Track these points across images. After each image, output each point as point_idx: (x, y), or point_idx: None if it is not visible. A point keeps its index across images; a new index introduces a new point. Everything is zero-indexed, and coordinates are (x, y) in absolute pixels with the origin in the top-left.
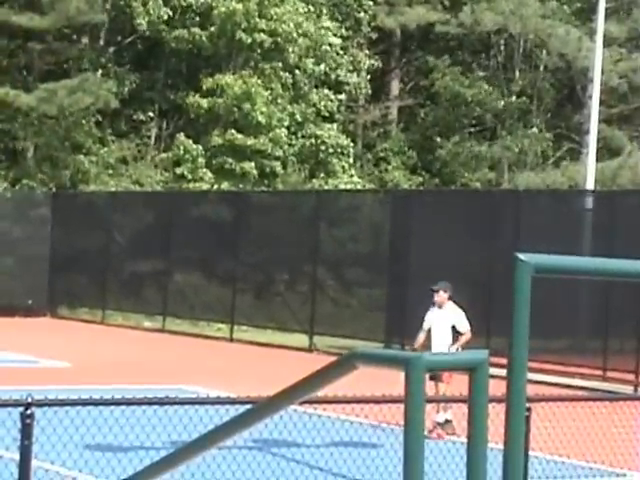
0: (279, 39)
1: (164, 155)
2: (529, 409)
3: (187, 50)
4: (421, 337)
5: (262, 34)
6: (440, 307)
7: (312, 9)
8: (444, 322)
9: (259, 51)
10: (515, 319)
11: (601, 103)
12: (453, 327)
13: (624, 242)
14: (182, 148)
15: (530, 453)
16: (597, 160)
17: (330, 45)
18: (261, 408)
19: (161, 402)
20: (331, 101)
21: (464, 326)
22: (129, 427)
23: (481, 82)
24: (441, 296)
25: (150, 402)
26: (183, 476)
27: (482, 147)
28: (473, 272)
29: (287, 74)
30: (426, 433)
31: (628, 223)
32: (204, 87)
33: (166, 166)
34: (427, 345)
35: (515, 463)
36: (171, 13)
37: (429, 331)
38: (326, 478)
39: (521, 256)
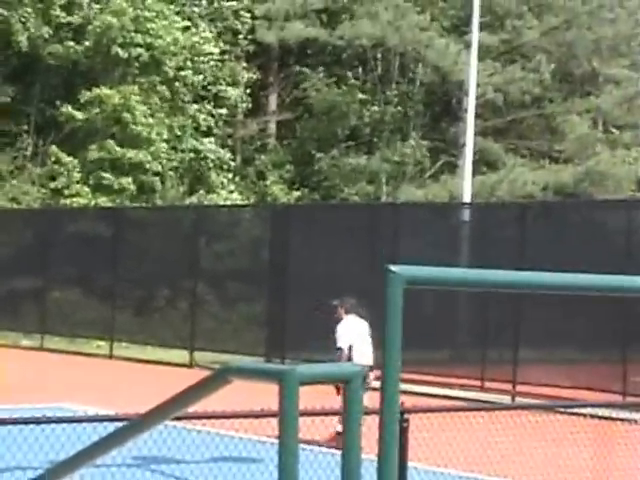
0: (156, 53)
1: (40, 170)
2: (407, 420)
3: (64, 65)
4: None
5: (138, 48)
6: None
7: (189, 23)
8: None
9: (136, 65)
10: (387, 331)
11: (477, 116)
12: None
13: (500, 253)
14: (56, 161)
15: (410, 464)
16: (474, 173)
17: (209, 54)
18: (136, 424)
19: (37, 421)
20: (212, 116)
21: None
22: (5, 447)
23: (357, 92)
24: (337, 312)
25: (25, 421)
26: None
27: (360, 160)
28: (353, 286)
29: (165, 87)
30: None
31: (504, 234)
32: (81, 100)
33: (42, 182)
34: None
35: (389, 473)
36: (51, 32)
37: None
38: None
39: (392, 267)
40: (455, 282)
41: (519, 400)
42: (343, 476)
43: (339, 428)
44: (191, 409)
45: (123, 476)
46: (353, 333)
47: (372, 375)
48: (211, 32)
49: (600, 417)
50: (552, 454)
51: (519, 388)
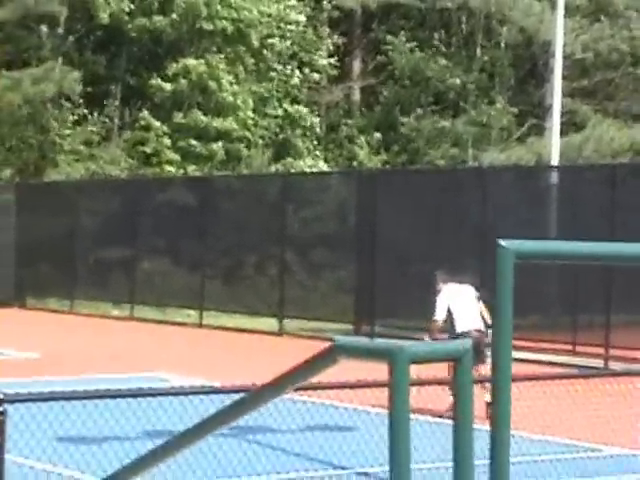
0: (241, 25)
1: (129, 135)
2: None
3: (149, 37)
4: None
5: (224, 21)
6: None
7: None
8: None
9: (222, 37)
10: (499, 306)
11: (564, 77)
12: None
13: (589, 216)
14: (145, 126)
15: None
16: (562, 134)
17: (295, 22)
18: (248, 400)
19: (137, 394)
20: (301, 82)
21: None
22: (104, 420)
23: (441, 58)
24: (436, 284)
25: (126, 394)
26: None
27: (445, 123)
28: (442, 249)
29: (250, 56)
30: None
31: (592, 197)
32: (169, 72)
33: (131, 148)
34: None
35: (503, 441)
36: (132, 6)
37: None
38: (312, 463)
39: (502, 242)
40: (565, 255)
41: (613, 365)
42: (456, 456)
43: (487, 398)
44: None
45: (230, 447)
46: (454, 300)
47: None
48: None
49: None
50: None
51: (612, 352)
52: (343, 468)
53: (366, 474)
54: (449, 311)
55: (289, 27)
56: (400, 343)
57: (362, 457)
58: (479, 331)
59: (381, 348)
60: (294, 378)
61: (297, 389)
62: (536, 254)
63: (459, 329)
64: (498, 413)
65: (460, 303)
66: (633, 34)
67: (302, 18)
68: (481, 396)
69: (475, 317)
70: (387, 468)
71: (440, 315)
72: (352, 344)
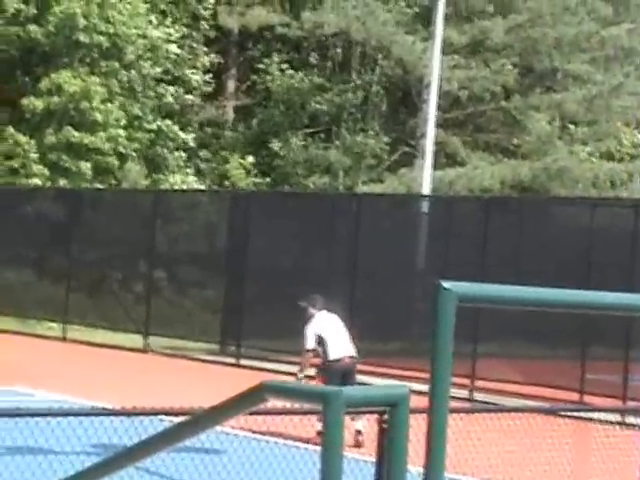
0: (118, 40)
1: None
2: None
3: (21, 47)
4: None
5: (101, 36)
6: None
7: (152, 15)
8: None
9: (96, 50)
10: (437, 349)
11: (436, 108)
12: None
13: (458, 245)
14: (13, 142)
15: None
16: (434, 166)
17: (168, 52)
18: (164, 437)
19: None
20: (172, 96)
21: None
22: None
23: (316, 80)
24: (306, 312)
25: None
26: None
27: (318, 151)
28: (312, 274)
29: (124, 72)
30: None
31: (462, 227)
32: (41, 87)
33: None
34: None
35: None
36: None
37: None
38: None
39: (445, 284)
40: (509, 301)
41: (478, 396)
42: None
43: (357, 426)
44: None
45: None
46: (325, 328)
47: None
48: (170, 29)
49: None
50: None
51: (477, 383)
52: None
53: None
54: (321, 338)
55: (162, 54)
56: (336, 388)
57: None
58: (352, 357)
59: (315, 390)
60: (222, 413)
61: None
62: (480, 298)
63: (332, 356)
64: (432, 455)
65: (331, 330)
66: (506, 78)
67: (176, 50)
68: (350, 424)
69: (347, 343)
70: None
71: (310, 344)
72: (283, 385)
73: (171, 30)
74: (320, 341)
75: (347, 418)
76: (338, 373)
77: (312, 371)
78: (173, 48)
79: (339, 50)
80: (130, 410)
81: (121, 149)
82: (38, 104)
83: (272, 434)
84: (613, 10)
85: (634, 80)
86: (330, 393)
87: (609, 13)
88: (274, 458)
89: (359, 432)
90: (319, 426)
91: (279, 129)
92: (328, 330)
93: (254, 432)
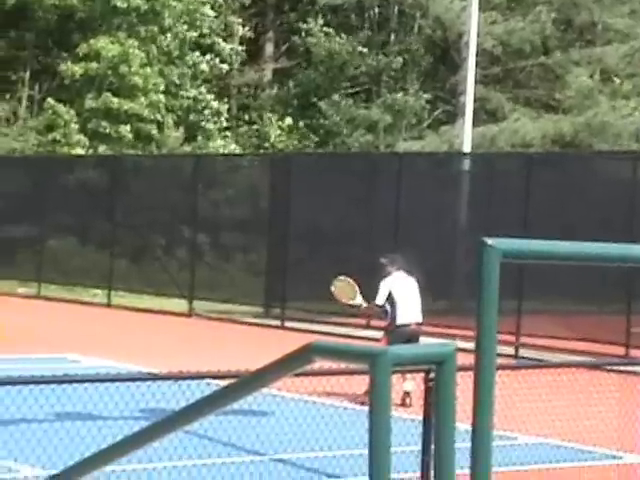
0: (155, 3)
1: (36, 120)
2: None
3: (58, 13)
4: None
5: (138, 0)
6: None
7: None
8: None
9: (134, 15)
10: (483, 307)
11: (476, 65)
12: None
13: (501, 202)
14: (53, 112)
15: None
16: (474, 123)
17: (202, 14)
18: (212, 400)
19: (69, 380)
20: (211, 68)
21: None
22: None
23: (356, 43)
24: (384, 269)
25: (66, 381)
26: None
27: (360, 111)
28: (354, 234)
29: (163, 37)
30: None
31: (504, 184)
32: (79, 53)
33: (40, 132)
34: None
35: (483, 443)
36: None
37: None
38: (230, 449)
39: (488, 241)
40: (552, 256)
41: (523, 352)
42: (437, 468)
43: (407, 387)
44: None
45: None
46: (398, 290)
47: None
48: None
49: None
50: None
51: (522, 340)
52: (259, 454)
53: (282, 460)
54: (392, 299)
55: (197, 17)
56: (382, 347)
57: (278, 443)
58: (419, 324)
59: (362, 350)
60: (268, 375)
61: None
62: (523, 253)
63: (400, 320)
64: (480, 412)
65: (404, 292)
66: (544, 27)
67: (211, 13)
68: (398, 384)
69: (417, 309)
70: (301, 455)
71: (380, 300)
72: (329, 345)
73: None
74: (391, 302)
75: (396, 378)
76: (403, 338)
77: (378, 334)
78: (207, 10)
79: (377, 10)
80: (177, 374)
81: (159, 117)
82: (77, 70)
83: (320, 395)
84: None
85: None
86: (377, 352)
87: None
88: (322, 419)
89: (407, 393)
90: (407, 385)
91: (319, 90)
92: (401, 292)
93: (305, 393)
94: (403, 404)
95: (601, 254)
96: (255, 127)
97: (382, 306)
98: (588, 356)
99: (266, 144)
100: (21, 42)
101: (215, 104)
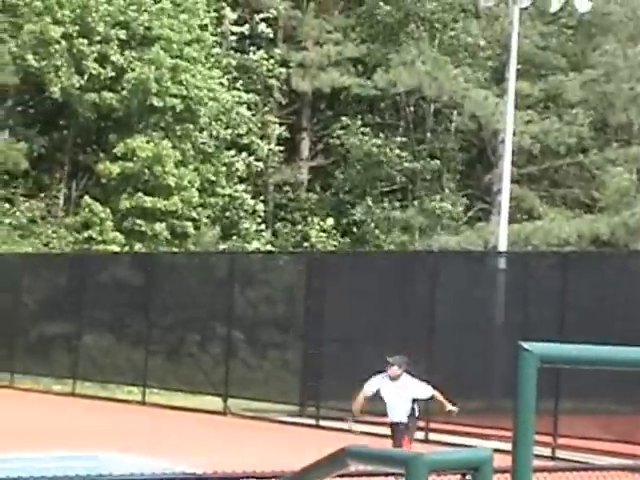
0: (191, 102)
1: (72, 219)
2: None
3: (97, 113)
4: (360, 399)
5: (174, 99)
6: (394, 380)
7: (222, 74)
8: (403, 394)
9: (170, 113)
10: (519, 414)
11: (512, 164)
12: (414, 399)
13: (537, 301)
14: (89, 211)
15: None
16: (509, 220)
17: (239, 114)
18: None
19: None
20: (246, 164)
21: (426, 391)
22: None
23: (391, 143)
24: (395, 371)
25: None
26: None
27: (396, 213)
28: (390, 333)
29: (198, 134)
30: None
31: (540, 283)
32: (116, 152)
33: (76, 230)
34: (366, 411)
35: None
36: (83, 82)
37: (372, 398)
38: None
39: (525, 345)
40: (590, 361)
41: (560, 453)
42: None
43: None
44: None
45: None
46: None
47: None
48: (241, 92)
49: None
50: None
51: (560, 441)
52: None
53: None
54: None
55: (234, 116)
56: (418, 452)
57: None
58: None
59: (398, 455)
60: (305, 478)
61: None
62: (561, 359)
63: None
64: None
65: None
66: (580, 129)
67: (247, 112)
68: None
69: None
70: None
71: (430, 392)
72: (363, 450)
73: (242, 93)
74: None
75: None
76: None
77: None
78: (244, 111)
79: (413, 110)
80: (219, 475)
81: (194, 214)
82: (114, 169)
83: None
84: None
85: None
86: (413, 458)
87: None
88: None
89: None
90: None
91: (357, 190)
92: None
93: None
94: None
95: (637, 359)
96: (296, 227)
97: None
98: (627, 458)
99: (305, 244)
100: (60, 141)
101: (252, 202)
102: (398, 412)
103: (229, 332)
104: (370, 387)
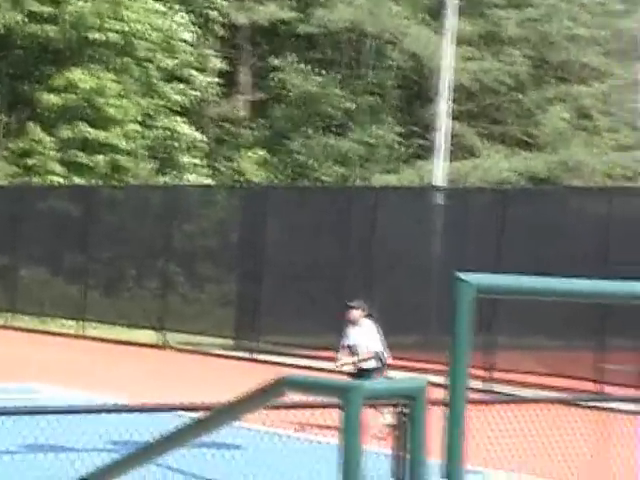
0: (132, 37)
1: (13, 145)
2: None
3: (36, 43)
4: (341, 355)
5: (114, 34)
6: (354, 325)
7: (164, 7)
8: (364, 339)
9: (109, 48)
10: (455, 344)
11: (451, 101)
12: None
13: (475, 237)
14: (32, 138)
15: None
16: (449, 158)
17: (183, 40)
18: (183, 433)
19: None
20: (184, 95)
21: (372, 342)
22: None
23: (330, 81)
24: (354, 314)
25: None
26: None
27: (332, 141)
28: (328, 268)
29: (138, 67)
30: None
31: (478, 219)
32: (55, 84)
33: (15, 158)
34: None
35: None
36: (24, 18)
37: (352, 347)
38: None
39: (462, 276)
40: (526, 291)
41: (495, 387)
42: None
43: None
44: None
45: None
46: (377, 335)
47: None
48: (183, 18)
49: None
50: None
51: (495, 374)
52: None
53: None
54: (355, 346)
55: (176, 44)
56: (355, 381)
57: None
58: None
59: (334, 384)
60: (240, 408)
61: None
62: (497, 289)
63: (385, 361)
64: (450, 446)
65: (380, 338)
66: (519, 70)
67: (189, 36)
68: (376, 418)
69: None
70: None
71: (379, 347)
72: (300, 379)
73: (182, 20)
74: (354, 349)
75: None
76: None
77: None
78: (187, 36)
79: (353, 46)
80: (148, 406)
81: (134, 147)
82: (55, 101)
83: (294, 428)
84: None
85: None
86: (349, 386)
87: (622, 8)
88: (295, 453)
89: (386, 426)
90: (387, 418)
91: (295, 124)
92: (379, 337)
93: (279, 427)
94: (381, 437)
95: (573, 290)
96: (234, 161)
97: (378, 352)
98: (561, 391)
99: (241, 178)
100: None
101: (190, 132)
102: (361, 356)
103: (167, 266)
104: (343, 340)
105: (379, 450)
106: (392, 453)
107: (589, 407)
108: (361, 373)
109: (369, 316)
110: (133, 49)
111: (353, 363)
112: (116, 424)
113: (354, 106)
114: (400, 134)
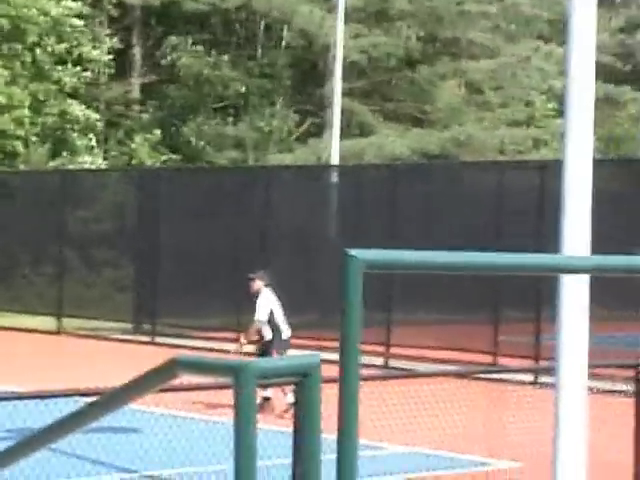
0: (20, 22)
1: None
2: None
3: None
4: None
5: (2, 18)
6: (255, 297)
7: None
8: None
9: None
10: (346, 320)
11: (343, 79)
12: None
13: (369, 214)
14: None
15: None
16: (342, 136)
17: (71, 26)
18: (74, 418)
19: None
20: (78, 78)
21: (260, 313)
22: None
23: (223, 62)
24: (253, 286)
25: None
26: None
27: (227, 127)
28: (224, 249)
29: (27, 52)
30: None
31: (372, 195)
32: None
33: None
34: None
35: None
36: None
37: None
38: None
39: (351, 251)
40: (417, 265)
41: (393, 363)
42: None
43: (289, 399)
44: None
45: None
46: (275, 305)
47: None
48: (74, 2)
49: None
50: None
51: (393, 350)
52: (129, 471)
53: (152, 477)
54: (272, 315)
55: (66, 29)
56: (245, 360)
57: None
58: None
59: (224, 363)
60: (133, 391)
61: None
62: (387, 264)
63: (284, 335)
64: (345, 422)
65: (279, 308)
66: (408, 43)
67: (80, 22)
68: (280, 397)
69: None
70: (171, 471)
71: (264, 316)
72: (192, 359)
73: (71, 3)
74: (272, 317)
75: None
76: (286, 351)
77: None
78: (76, 22)
79: (243, 25)
80: (43, 392)
81: (25, 132)
82: None
83: (191, 409)
84: None
85: (540, 56)
86: (239, 366)
87: None
88: (192, 434)
89: (291, 404)
90: (290, 398)
91: (187, 106)
92: (277, 308)
93: (173, 408)
94: (283, 417)
95: (467, 263)
96: (127, 144)
97: (264, 321)
98: (457, 365)
99: (135, 161)
100: None
101: (84, 112)
102: (264, 329)
103: (62, 251)
104: (257, 315)
105: (283, 429)
106: (293, 431)
107: (486, 379)
108: (264, 354)
109: (269, 286)
110: (23, 34)
111: (260, 338)
112: (10, 412)
113: (246, 88)
114: (295, 112)
